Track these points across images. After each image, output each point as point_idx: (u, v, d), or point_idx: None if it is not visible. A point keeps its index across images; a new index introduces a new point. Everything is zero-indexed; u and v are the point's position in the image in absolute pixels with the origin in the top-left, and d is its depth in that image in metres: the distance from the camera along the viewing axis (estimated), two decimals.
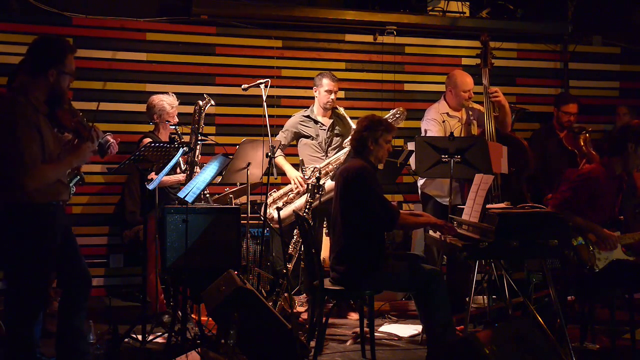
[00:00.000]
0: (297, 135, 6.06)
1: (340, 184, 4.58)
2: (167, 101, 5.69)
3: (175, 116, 5.73)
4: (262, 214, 5.61)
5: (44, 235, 3.72)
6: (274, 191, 5.93)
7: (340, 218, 4.54)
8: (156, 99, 5.74)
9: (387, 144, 4.63)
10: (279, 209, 5.46)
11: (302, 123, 6.04)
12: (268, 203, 5.75)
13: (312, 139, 6.00)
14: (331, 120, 6.03)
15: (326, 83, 5.96)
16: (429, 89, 7.17)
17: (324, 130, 6.00)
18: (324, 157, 5.92)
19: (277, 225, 5.53)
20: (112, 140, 4.98)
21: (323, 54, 7.04)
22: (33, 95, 3.71)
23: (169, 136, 5.73)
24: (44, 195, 3.71)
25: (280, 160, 5.91)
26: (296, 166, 5.99)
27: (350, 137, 4.84)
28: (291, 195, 5.88)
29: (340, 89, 6.25)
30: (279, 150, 5.96)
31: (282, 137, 6.06)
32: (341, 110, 6.00)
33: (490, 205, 4.82)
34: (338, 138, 6.00)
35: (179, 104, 5.92)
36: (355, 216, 4.47)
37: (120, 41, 6.52)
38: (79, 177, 4.84)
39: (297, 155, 6.11)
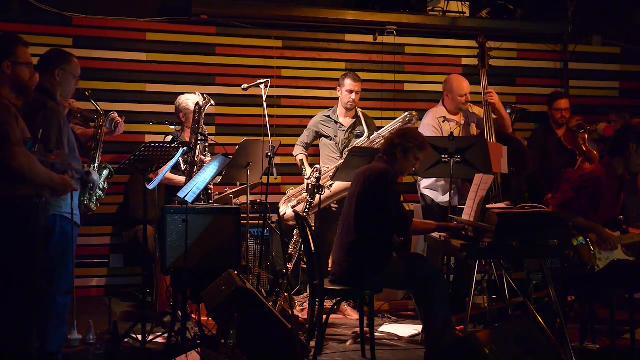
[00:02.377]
0: (318, 135, 6.11)
1: (360, 183, 4.59)
2: (191, 100, 5.68)
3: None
4: (262, 214, 5.62)
5: (27, 228, 3.69)
6: (291, 189, 6.03)
7: (354, 215, 4.55)
8: (182, 98, 5.78)
9: (416, 161, 4.66)
10: (294, 207, 5.57)
11: (322, 123, 6.08)
12: (283, 200, 5.92)
13: (331, 139, 6.03)
14: (353, 121, 6.05)
15: (348, 83, 5.98)
16: (428, 89, 7.17)
17: (343, 131, 6.01)
18: (339, 158, 5.94)
19: (292, 223, 5.63)
20: (118, 118, 5.01)
21: (323, 54, 7.04)
22: (5, 92, 3.73)
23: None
24: (26, 188, 3.68)
25: (300, 158, 6.02)
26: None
27: (383, 140, 4.93)
28: (304, 194, 5.90)
29: None
30: (301, 148, 6.01)
31: (304, 136, 6.15)
32: (359, 111, 6.03)
33: (490, 205, 4.82)
34: (357, 139, 6.01)
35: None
36: (370, 216, 4.49)
37: (120, 41, 6.52)
38: (108, 170, 4.82)
39: (319, 155, 6.17)
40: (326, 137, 6.06)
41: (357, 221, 4.53)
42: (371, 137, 5.85)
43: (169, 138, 5.68)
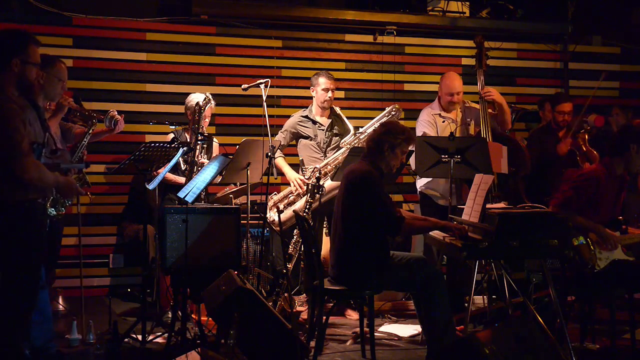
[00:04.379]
0: (296, 136, 6.04)
1: (344, 186, 4.57)
2: (198, 99, 5.66)
3: (208, 116, 5.70)
4: (262, 214, 5.61)
5: (33, 229, 3.69)
6: (275, 194, 5.93)
7: (341, 219, 4.54)
8: (191, 96, 5.77)
9: (403, 155, 4.61)
10: (279, 212, 5.47)
11: (300, 123, 6.02)
12: (269, 206, 5.75)
13: (311, 140, 5.98)
14: (330, 120, 6.02)
15: (323, 82, 5.93)
16: (428, 89, 7.17)
17: (322, 130, 5.98)
18: (322, 158, 5.91)
19: (279, 228, 5.54)
20: (118, 116, 5.02)
21: (323, 54, 7.05)
22: (10, 92, 3.66)
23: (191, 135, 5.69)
24: (35, 191, 3.68)
25: (280, 161, 5.88)
26: (296, 167, 5.99)
27: (367, 137, 4.83)
28: (291, 197, 5.87)
29: (340, 89, 6.26)
30: (278, 150, 5.96)
31: (281, 137, 6.04)
32: (337, 109, 5.99)
33: (489, 205, 4.82)
34: (337, 138, 5.99)
35: (180, 104, 5.94)
36: (357, 219, 4.46)
37: (120, 41, 6.53)
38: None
39: (297, 155, 6.10)
40: (305, 137, 6.00)
41: (344, 224, 4.51)
42: (357, 134, 5.83)
43: (170, 136, 5.69)
